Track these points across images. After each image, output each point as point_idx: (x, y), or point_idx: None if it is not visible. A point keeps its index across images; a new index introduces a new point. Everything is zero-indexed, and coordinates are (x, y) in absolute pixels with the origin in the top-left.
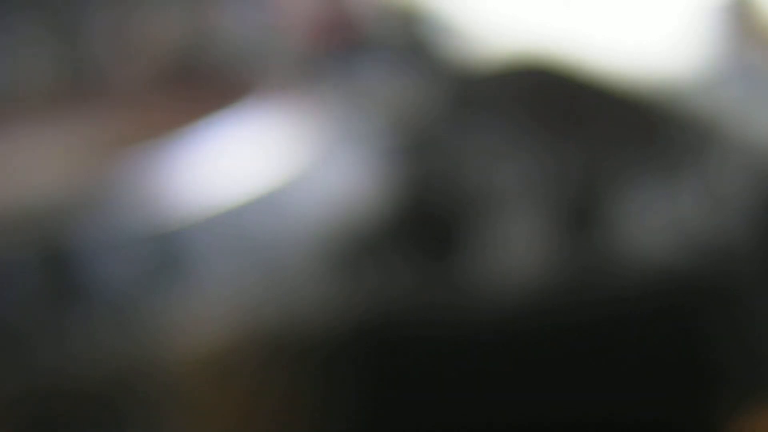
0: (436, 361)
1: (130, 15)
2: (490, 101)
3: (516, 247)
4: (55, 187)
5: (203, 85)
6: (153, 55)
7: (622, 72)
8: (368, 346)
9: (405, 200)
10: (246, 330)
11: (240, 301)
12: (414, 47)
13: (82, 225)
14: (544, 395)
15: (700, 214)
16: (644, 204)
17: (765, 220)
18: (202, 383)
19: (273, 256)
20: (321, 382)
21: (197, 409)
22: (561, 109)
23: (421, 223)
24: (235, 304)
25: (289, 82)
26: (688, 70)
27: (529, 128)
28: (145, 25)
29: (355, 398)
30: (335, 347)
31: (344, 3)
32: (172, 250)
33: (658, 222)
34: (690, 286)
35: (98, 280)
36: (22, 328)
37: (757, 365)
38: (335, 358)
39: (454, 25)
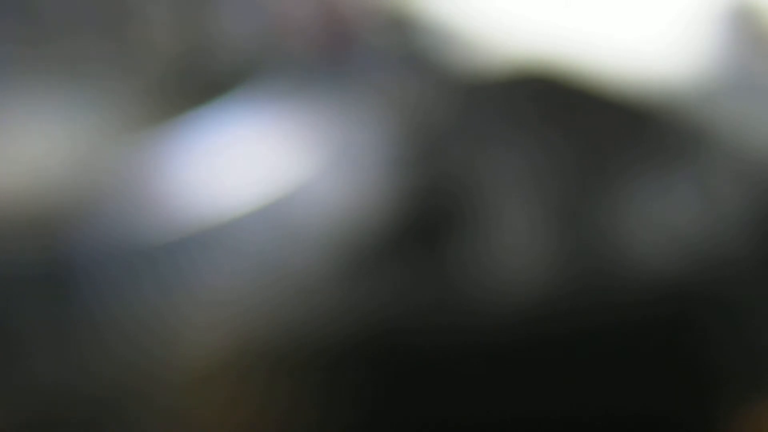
0: (438, 368)
1: (129, 15)
2: (491, 107)
3: (515, 252)
4: (55, 189)
5: (203, 89)
6: (151, 57)
7: (623, 76)
8: (372, 354)
9: (406, 207)
10: (248, 339)
11: (241, 309)
12: (414, 53)
13: (83, 230)
14: (544, 399)
15: (698, 219)
16: (644, 209)
17: (762, 225)
18: (204, 392)
19: (275, 265)
20: (324, 390)
21: (198, 418)
22: (561, 114)
23: (422, 229)
24: (237, 312)
25: (289, 88)
26: (689, 76)
27: (528, 133)
28: (142, 27)
29: (357, 406)
30: (339, 355)
31: (344, 9)
32: (172, 257)
33: (655, 227)
34: (688, 290)
35: (99, 287)
36: (21, 333)
37: (757, 366)
38: (339, 366)
39: (455, 31)
